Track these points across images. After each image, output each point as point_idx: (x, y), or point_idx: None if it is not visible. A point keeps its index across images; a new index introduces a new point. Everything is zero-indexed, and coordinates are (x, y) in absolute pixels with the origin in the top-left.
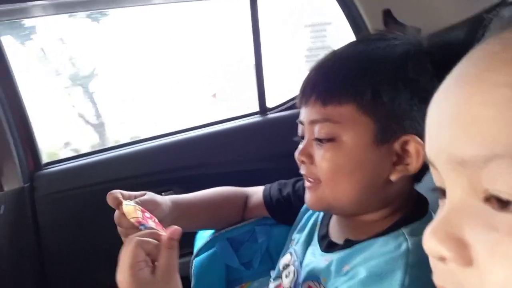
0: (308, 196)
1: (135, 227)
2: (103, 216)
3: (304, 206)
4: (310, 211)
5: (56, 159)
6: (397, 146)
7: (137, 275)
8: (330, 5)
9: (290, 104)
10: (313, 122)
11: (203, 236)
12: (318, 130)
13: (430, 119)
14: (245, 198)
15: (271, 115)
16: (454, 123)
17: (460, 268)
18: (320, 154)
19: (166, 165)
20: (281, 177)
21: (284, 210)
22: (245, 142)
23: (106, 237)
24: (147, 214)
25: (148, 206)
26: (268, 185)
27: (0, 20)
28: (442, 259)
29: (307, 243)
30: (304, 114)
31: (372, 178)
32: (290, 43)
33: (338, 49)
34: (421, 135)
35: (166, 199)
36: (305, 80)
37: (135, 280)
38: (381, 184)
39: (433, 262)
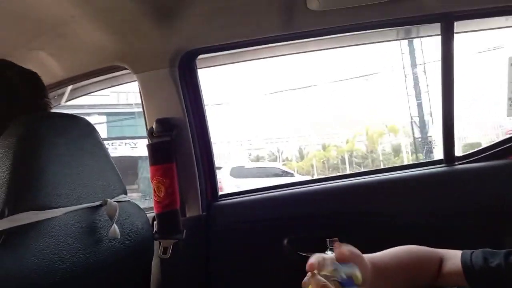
0: None
1: None
2: (268, 252)
3: None
4: None
5: None
6: None
7: None
8: None
9: (485, 155)
10: None
11: None
12: None
13: None
14: (440, 261)
15: (459, 166)
16: None
17: None
18: None
19: (336, 209)
20: (469, 239)
21: (491, 283)
22: (426, 193)
23: (271, 272)
24: None
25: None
26: (467, 251)
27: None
28: None
29: None
30: None
31: None
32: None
33: None
34: None
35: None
36: None
37: None
38: None
39: None
